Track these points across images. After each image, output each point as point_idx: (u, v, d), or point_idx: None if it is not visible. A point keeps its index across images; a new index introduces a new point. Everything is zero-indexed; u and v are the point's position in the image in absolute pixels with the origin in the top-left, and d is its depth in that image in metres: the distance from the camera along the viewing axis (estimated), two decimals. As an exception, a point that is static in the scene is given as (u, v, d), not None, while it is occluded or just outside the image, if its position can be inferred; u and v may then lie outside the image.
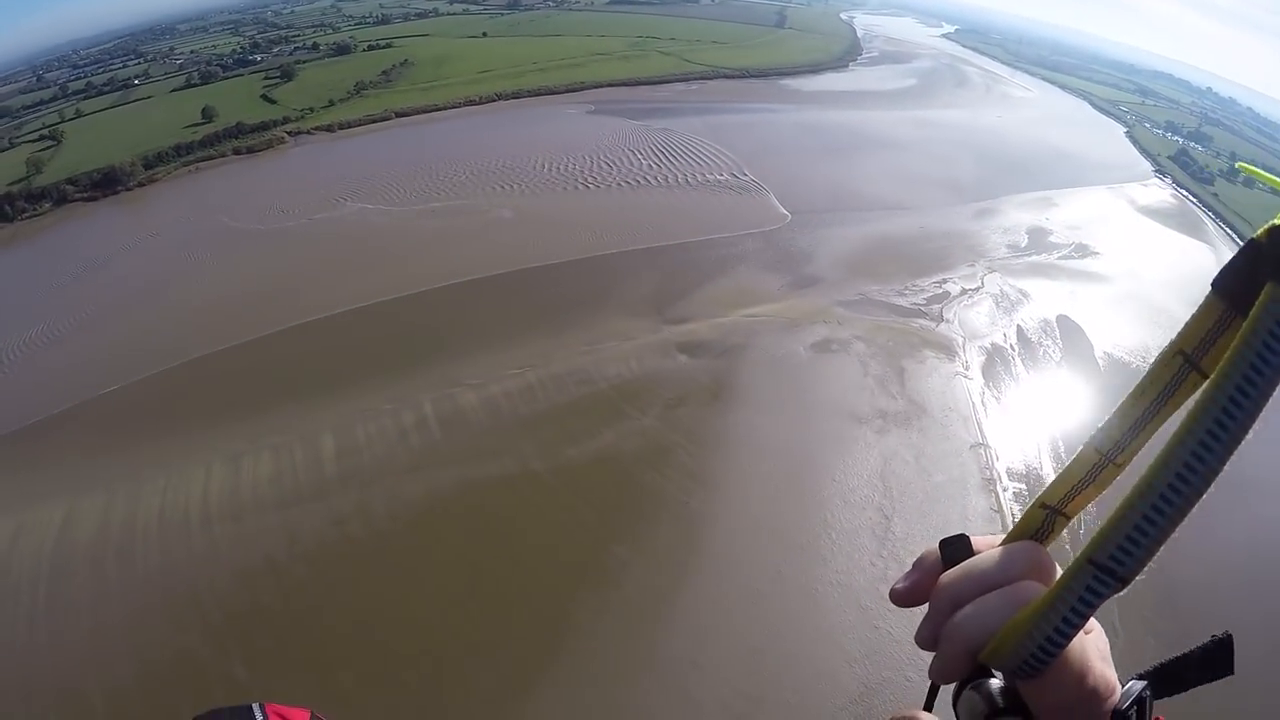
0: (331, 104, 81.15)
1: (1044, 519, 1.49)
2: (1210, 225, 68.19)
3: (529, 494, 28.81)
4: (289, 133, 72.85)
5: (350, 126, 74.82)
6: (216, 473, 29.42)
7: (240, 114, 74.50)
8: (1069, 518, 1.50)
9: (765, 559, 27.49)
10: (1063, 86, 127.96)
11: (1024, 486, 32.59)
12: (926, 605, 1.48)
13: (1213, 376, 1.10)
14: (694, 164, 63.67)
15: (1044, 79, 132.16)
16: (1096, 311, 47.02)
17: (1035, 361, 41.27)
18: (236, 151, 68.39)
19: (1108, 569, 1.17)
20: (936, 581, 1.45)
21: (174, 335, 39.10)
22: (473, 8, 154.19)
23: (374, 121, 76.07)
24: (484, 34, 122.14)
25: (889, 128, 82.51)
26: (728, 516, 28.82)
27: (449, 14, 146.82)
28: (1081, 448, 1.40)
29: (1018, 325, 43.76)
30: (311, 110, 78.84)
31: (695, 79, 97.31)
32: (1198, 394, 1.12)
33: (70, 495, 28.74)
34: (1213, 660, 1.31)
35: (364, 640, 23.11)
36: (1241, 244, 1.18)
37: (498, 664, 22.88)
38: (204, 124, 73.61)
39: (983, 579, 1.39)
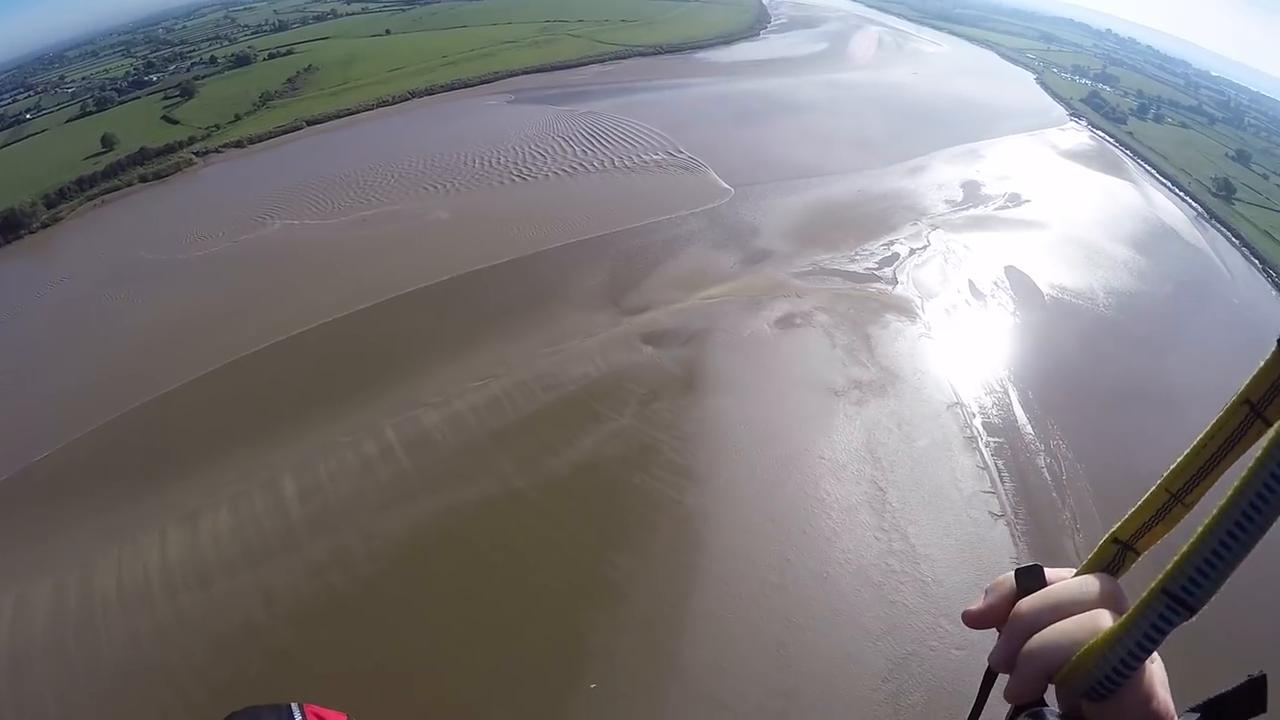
0: (238, 118, 78.49)
1: (1115, 553, 1.63)
2: (1129, 163, 71.65)
3: (516, 514, 27.80)
4: (197, 153, 69.74)
5: (261, 140, 72.24)
6: (173, 535, 27.32)
7: (143, 139, 71.01)
8: (1138, 553, 1.62)
9: (770, 549, 27.44)
10: (969, 39, 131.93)
11: (1003, 440, 33.62)
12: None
13: (1277, 424, 1.31)
14: (627, 146, 63.07)
15: (950, 33, 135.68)
16: (1039, 258, 48.73)
17: (991, 313, 42.48)
18: (143, 179, 64.95)
19: (1179, 599, 1.30)
20: (1010, 607, 1.61)
21: (101, 388, 36.19)
22: (371, 6, 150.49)
23: (285, 132, 73.60)
24: (387, 31, 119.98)
25: (811, 93, 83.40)
26: (725, 510, 28.50)
27: (348, 14, 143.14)
28: (1153, 488, 1.53)
29: (969, 280, 45.05)
30: (218, 127, 75.98)
31: (611, 59, 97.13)
32: (1263, 440, 1.29)
33: (15, 585, 26.17)
34: (1249, 698, 1.39)
35: (369, 696, 21.72)
36: None
37: (519, 703, 22.00)
38: (105, 153, 69.99)
39: (1061, 606, 1.53)
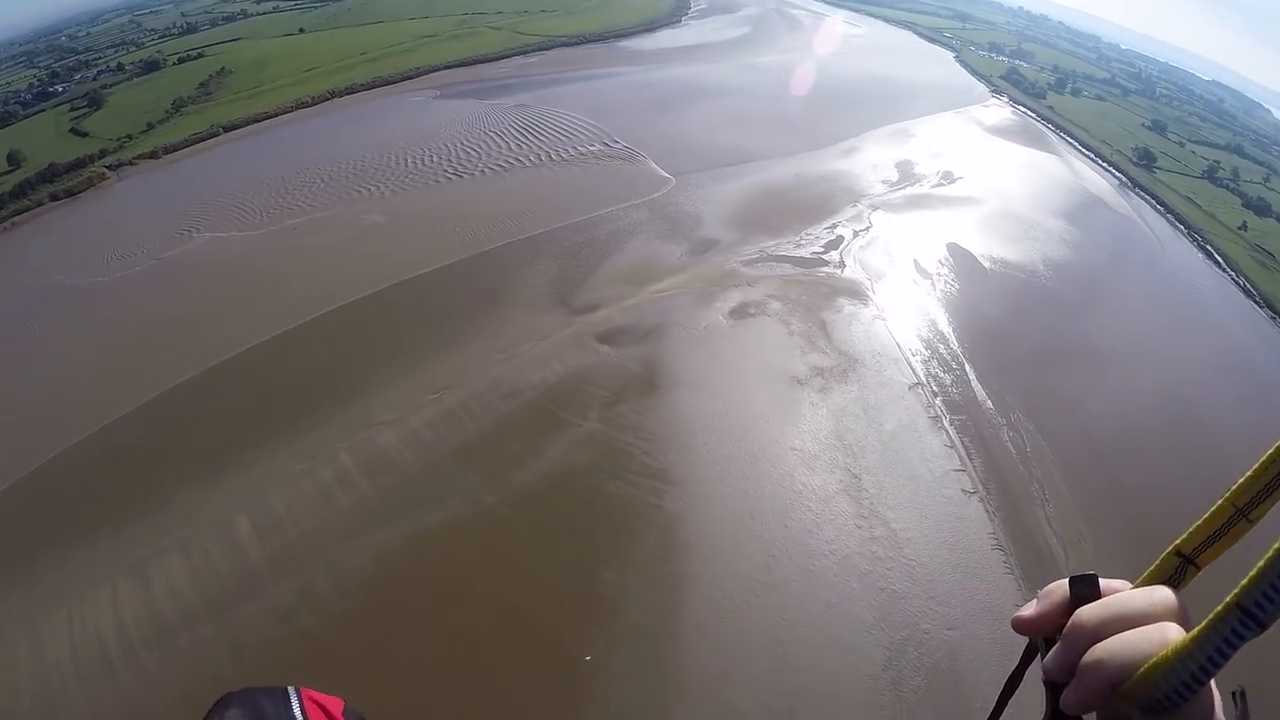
0: (150, 127, 75.11)
1: (1177, 566, 1.64)
2: (1052, 136, 74.43)
3: (490, 534, 26.96)
4: (109, 166, 66.06)
5: (177, 149, 68.93)
6: (124, 590, 25.47)
7: (51, 154, 67.11)
8: (1199, 568, 1.63)
9: (754, 546, 27.36)
10: (886, 20, 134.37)
11: (966, 417, 34.52)
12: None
13: None
14: (561, 138, 62.22)
15: (868, 14, 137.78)
16: (977, 234, 50.18)
17: (939, 291, 43.51)
18: (54, 197, 61.13)
19: (1252, 614, 1.30)
20: (1062, 614, 1.60)
21: (19, 436, 33.57)
22: (283, 4, 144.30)
23: (201, 140, 70.45)
24: (300, 30, 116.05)
25: (739, 77, 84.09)
26: (704, 510, 28.29)
27: (259, 14, 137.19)
28: (1218, 502, 1.56)
29: (913, 260, 46.00)
30: (130, 138, 72.47)
31: (534, 51, 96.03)
32: None
33: None
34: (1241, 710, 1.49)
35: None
36: None
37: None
38: (11, 171, 66.06)
39: (1127, 617, 1.52)
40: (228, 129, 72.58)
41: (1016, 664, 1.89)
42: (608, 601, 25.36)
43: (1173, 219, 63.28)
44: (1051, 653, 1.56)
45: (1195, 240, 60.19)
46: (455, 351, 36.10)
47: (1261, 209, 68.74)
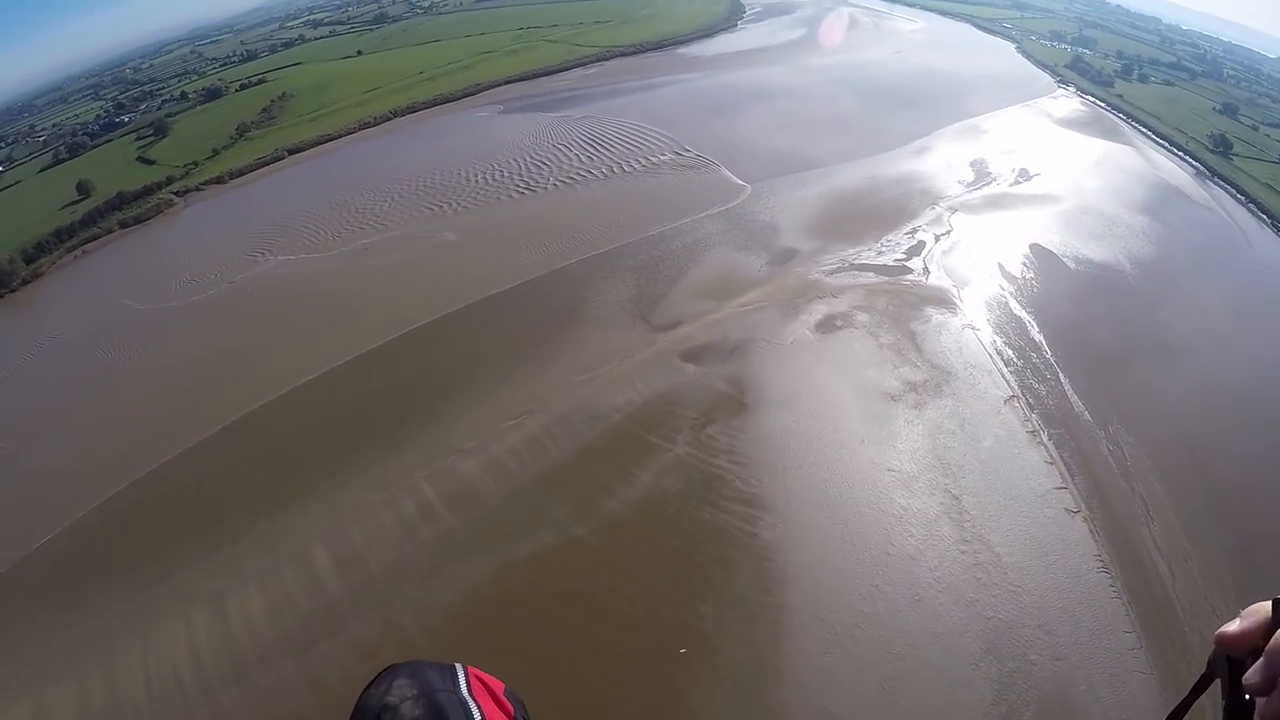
0: (216, 153, 76.38)
1: None
2: (1124, 126, 71.20)
3: (581, 567, 25.55)
4: (176, 193, 67.31)
5: (243, 174, 69.82)
6: (200, 623, 24.74)
7: (119, 182, 68.64)
8: None
9: (857, 576, 25.69)
10: (942, 13, 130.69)
11: (1064, 431, 32.25)
12: None
13: None
14: (630, 148, 61.00)
15: (923, 8, 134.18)
16: (1058, 233, 47.75)
17: (1025, 294, 41.29)
18: (123, 224, 62.56)
19: None
20: (1264, 632, 1.65)
21: (100, 459, 33.48)
22: (339, 29, 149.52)
23: (267, 164, 71.16)
24: (359, 52, 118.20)
25: (801, 79, 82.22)
26: (802, 538, 26.56)
27: (316, 39, 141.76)
28: None
29: (998, 264, 43.78)
30: (196, 164, 73.84)
31: (592, 62, 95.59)
32: None
33: (30, 688, 23.74)
34: None
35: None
36: None
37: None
38: (82, 200, 68.02)
39: None
40: (292, 152, 73.30)
41: (1194, 685, 1.85)
42: (706, 637, 23.87)
43: (1254, 208, 59.71)
44: (1255, 667, 1.60)
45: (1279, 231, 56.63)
46: (534, 373, 34.86)
47: (1344, 195, 64.58)
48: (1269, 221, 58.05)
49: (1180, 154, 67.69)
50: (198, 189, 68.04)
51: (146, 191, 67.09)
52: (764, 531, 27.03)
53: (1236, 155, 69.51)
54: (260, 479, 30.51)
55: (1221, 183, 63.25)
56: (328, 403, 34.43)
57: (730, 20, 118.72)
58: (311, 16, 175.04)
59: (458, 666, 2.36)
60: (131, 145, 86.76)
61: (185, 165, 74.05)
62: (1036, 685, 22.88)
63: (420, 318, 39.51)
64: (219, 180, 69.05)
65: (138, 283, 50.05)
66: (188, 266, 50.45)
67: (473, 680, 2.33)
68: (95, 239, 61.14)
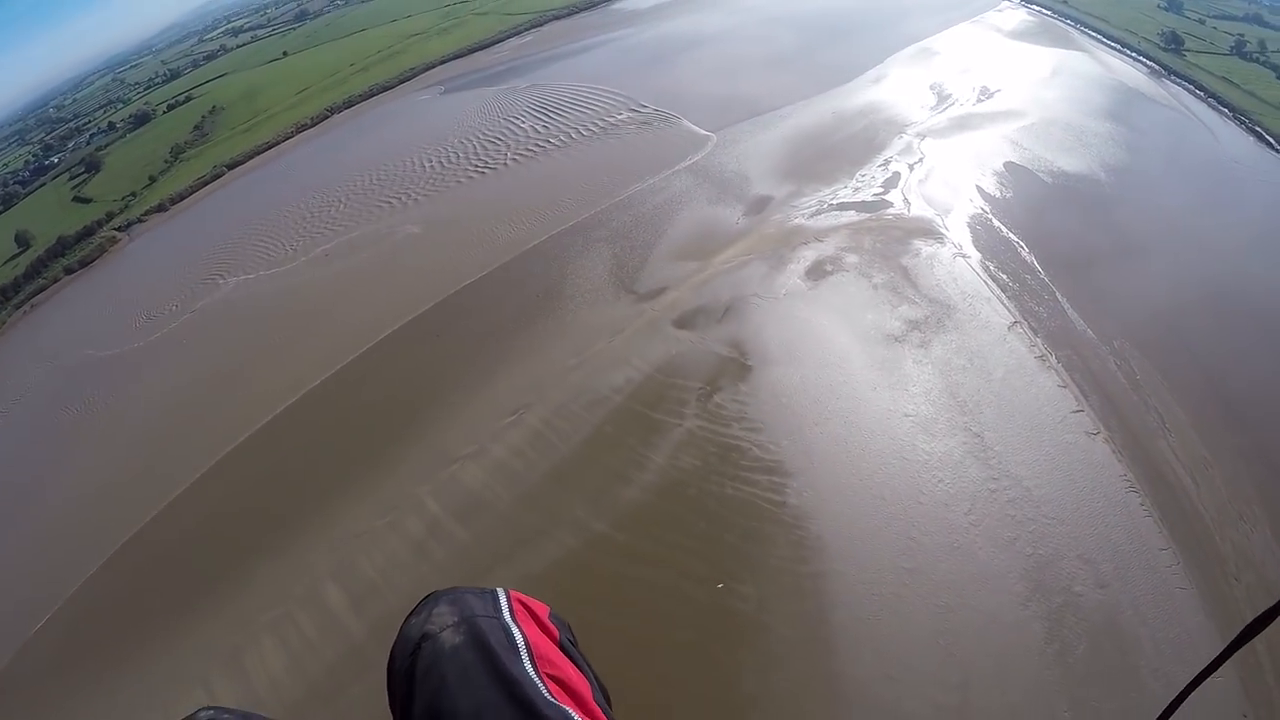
0: (153, 180, 73.64)
1: None
2: (1074, 33, 69.27)
3: (608, 564, 23.95)
4: (118, 228, 64.60)
5: (184, 197, 67.16)
6: (220, 686, 22.85)
7: (58, 226, 65.99)
8: None
9: (892, 530, 24.36)
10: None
11: (1070, 352, 30.94)
12: None
13: None
14: (583, 111, 58.25)
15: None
16: (1030, 148, 46.17)
17: (1008, 214, 39.91)
18: (69, 270, 59.78)
19: None
20: None
21: (85, 525, 31.24)
22: (260, 33, 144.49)
23: (207, 183, 68.39)
24: (284, 54, 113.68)
25: (740, 20, 79.27)
26: (831, 500, 25.13)
27: (238, 46, 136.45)
28: None
29: (976, 186, 42.10)
30: (134, 195, 71.32)
31: (527, 29, 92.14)
32: None
33: None
34: None
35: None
36: None
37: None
38: (22, 252, 65.49)
39: None
40: (231, 166, 70.75)
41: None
42: (751, 618, 22.51)
43: (1214, 102, 58.69)
44: None
45: (1243, 123, 55.68)
46: (523, 363, 32.79)
47: (1298, 81, 63.90)
48: (1230, 115, 57.14)
49: (1134, 55, 66.38)
50: (140, 220, 65.41)
51: (87, 232, 64.54)
52: (791, 499, 25.54)
53: (1189, 51, 68.41)
54: (253, 520, 28.36)
55: (1178, 80, 62.06)
56: (312, 427, 32.13)
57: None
58: (230, 25, 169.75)
59: (499, 591, 2.26)
60: (65, 186, 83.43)
61: (124, 198, 71.38)
62: (1085, 617, 22.01)
63: (394, 321, 37.10)
64: (160, 208, 66.27)
65: (94, 329, 47.27)
66: (143, 303, 47.63)
67: (515, 604, 2.24)
68: (42, 290, 58.51)
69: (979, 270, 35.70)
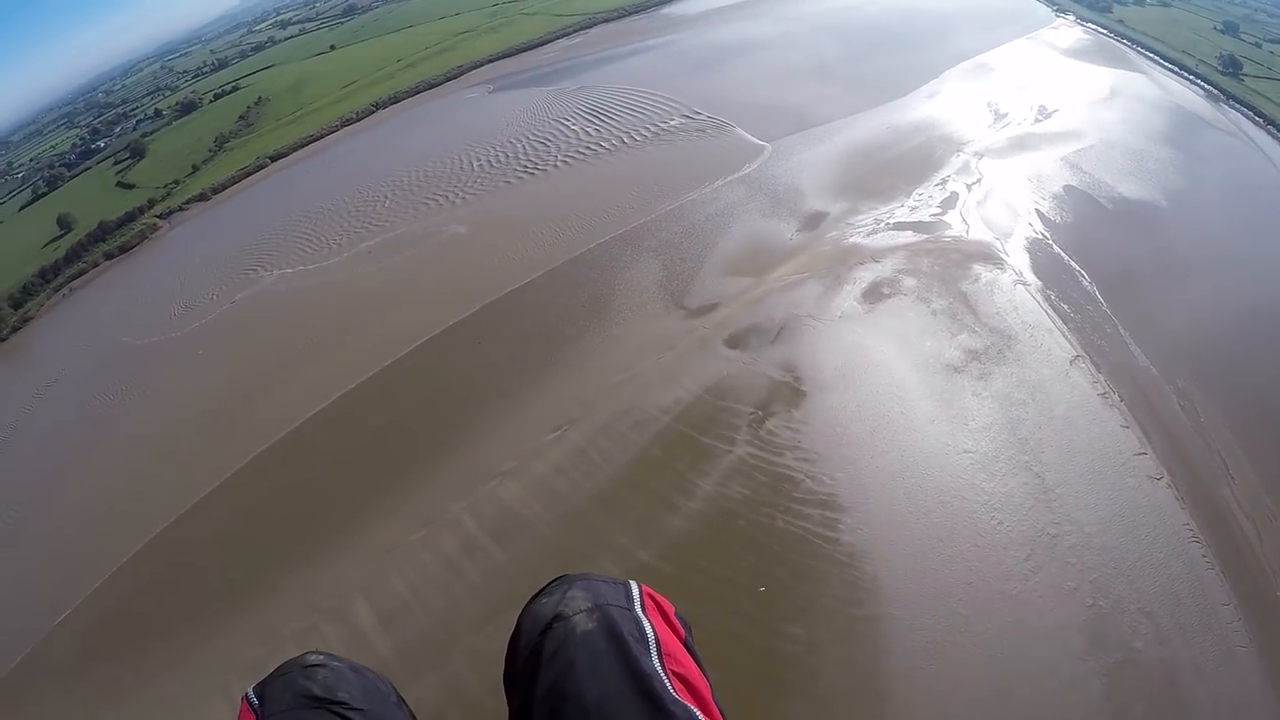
0: (195, 170, 72.84)
1: None
2: (1131, 53, 67.24)
3: (653, 595, 22.91)
4: (160, 216, 63.87)
5: (226, 187, 66.27)
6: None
7: (101, 212, 65.33)
8: None
9: (948, 574, 22.81)
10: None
11: (1133, 390, 29.37)
12: None
13: None
14: (636, 115, 56.74)
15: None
16: (1089, 171, 44.38)
17: (1069, 241, 38.00)
18: (109, 256, 59.32)
19: None
20: None
21: (113, 520, 30.40)
22: (308, 26, 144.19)
23: (250, 174, 67.48)
24: (332, 47, 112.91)
25: (796, 28, 77.45)
26: (887, 538, 23.69)
27: (286, 39, 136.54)
28: None
29: (1036, 210, 40.35)
30: (177, 183, 70.46)
31: (575, 31, 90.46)
32: None
33: None
34: None
35: None
36: None
37: None
38: (64, 235, 65.19)
39: None
40: (275, 158, 69.76)
41: None
42: (801, 662, 21.22)
43: (1274, 130, 56.38)
44: None
45: (1306, 153, 53.41)
46: (569, 376, 31.46)
47: (1356, 108, 61.39)
48: (1292, 144, 54.99)
49: (1192, 78, 64.21)
50: (181, 209, 64.60)
51: (129, 218, 63.87)
52: (845, 535, 24.15)
53: (1246, 75, 66.18)
54: (280, 528, 27.31)
55: (1237, 105, 59.91)
56: (347, 432, 30.95)
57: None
58: (279, 17, 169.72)
59: (632, 583, 2.27)
60: (110, 171, 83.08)
61: (166, 186, 70.68)
62: (1146, 675, 20.66)
63: (437, 324, 35.84)
64: (202, 197, 65.52)
65: (131, 316, 46.67)
66: (181, 292, 46.98)
67: (645, 598, 2.23)
68: (82, 274, 58.14)
69: (1040, 299, 34.05)
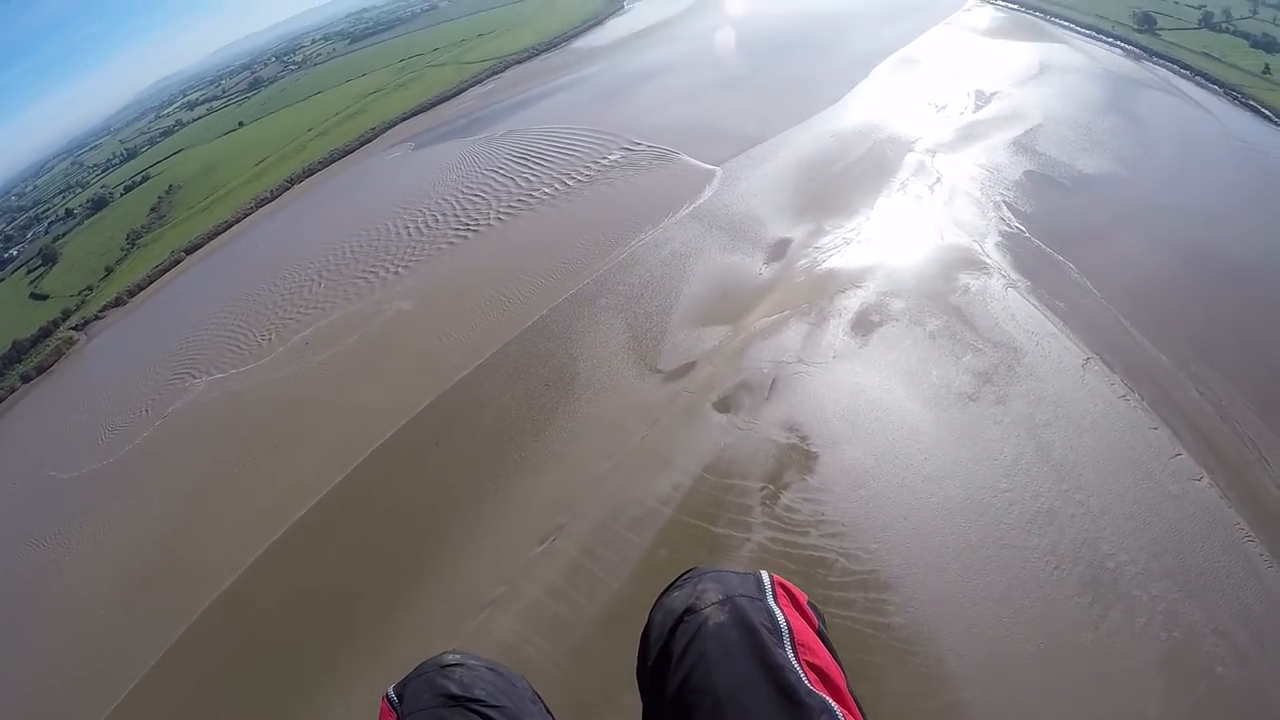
0: (109, 271, 68.29)
1: None
2: (1048, 26, 66.51)
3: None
4: (75, 327, 58.79)
5: (142, 288, 61.88)
6: None
7: (15, 328, 60.29)
8: None
9: (1015, 638, 19.68)
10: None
11: (1150, 384, 26.91)
12: None
13: None
14: (571, 155, 53.02)
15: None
16: (1044, 151, 42.51)
17: (1045, 230, 35.57)
18: (25, 378, 53.80)
19: None
20: None
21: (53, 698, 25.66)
22: (215, 104, 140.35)
23: (165, 270, 63.31)
24: (240, 124, 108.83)
25: (716, 45, 75.89)
26: (940, 612, 20.29)
27: (195, 120, 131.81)
28: None
29: (1003, 203, 37.77)
30: (90, 289, 65.70)
31: (488, 77, 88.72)
32: None
33: None
34: None
35: None
36: None
37: None
38: None
39: None
40: (190, 250, 65.60)
41: None
42: (885, 780, 17.88)
43: (1202, 80, 55.75)
44: None
45: (1234, 99, 52.57)
46: (545, 472, 27.21)
47: (1270, 46, 61.16)
48: (1221, 91, 54.30)
49: (1110, 40, 63.87)
50: (98, 317, 59.56)
51: (44, 334, 58.75)
52: (895, 617, 20.74)
53: (1162, 30, 66.16)
54: (249, 695, 22.70)
55: (1161, 61, 59.61)
56: (306, 568, 26.16)
57: (615, 3, 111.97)
58: (186, 99, 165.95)
59: (763, 573, 2.16)
60: (23, 281, 77.61)
61: (80, 293, 65.86)
62: (1234, 703, 18.56)
63: (388, 426, 31.24)
64: (118, 302, 60.69)
65: (57, 446, 41.13)
66: (108, 412, 41.78)
67: (777, 587, 2.13)
68: (1, 401, 52.46)
69: (1034, 301, 31.38)
